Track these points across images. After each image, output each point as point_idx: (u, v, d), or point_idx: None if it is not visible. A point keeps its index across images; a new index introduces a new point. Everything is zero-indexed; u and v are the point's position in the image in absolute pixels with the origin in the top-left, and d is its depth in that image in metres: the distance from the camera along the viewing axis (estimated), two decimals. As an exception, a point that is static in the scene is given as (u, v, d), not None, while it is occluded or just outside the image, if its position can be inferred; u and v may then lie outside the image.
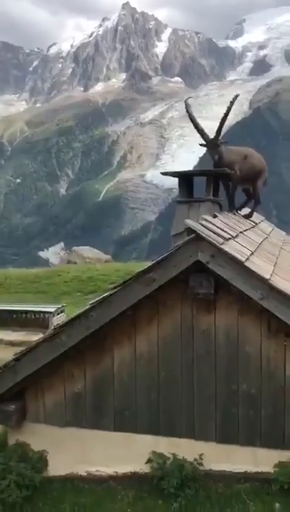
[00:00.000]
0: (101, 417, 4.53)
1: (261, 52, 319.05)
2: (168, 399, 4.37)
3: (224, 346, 4.19)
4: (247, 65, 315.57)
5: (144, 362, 4.39)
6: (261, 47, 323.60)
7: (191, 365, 4.27)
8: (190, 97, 6.55)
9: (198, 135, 5.98)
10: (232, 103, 5.89)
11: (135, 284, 4.09)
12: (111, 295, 4.14)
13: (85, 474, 4.55)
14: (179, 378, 4.32)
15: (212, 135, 5.83)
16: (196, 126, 5.86)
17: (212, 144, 5.78)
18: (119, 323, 4.30)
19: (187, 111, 5.98)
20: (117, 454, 4.48)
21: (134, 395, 4.44)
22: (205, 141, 5.87)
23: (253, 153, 6.48)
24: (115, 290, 4.13)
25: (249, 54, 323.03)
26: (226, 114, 5.81)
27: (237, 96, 6.10)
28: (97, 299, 4.21)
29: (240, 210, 6.63)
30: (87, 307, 4.22)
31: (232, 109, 5.96)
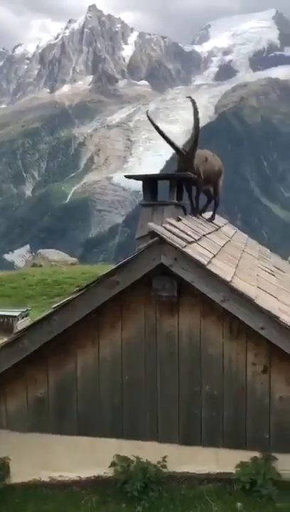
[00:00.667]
0: (65, 421, 4.50)
1: (227, 58, 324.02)
2: (132, 402, 4.37)
3: (187, 348, 4.23)
4: (213, 69, 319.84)
5: (108, 365, 4.38)
6: (227, 52, 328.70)
7: (155, 367, 4.30)
8: (155, 103, 6.53)
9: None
10: (196, 112, 5.85)
11: (98, 287, 4.08)
12: (74, 299, 4.12)
13: (48, 480, 4.50)
14: (142, 381, 4.33)
15: (179, 141, 5.82)
16: (168, 141, 5.78)
17: (188, 158, 5.72)
18: (83, 326, 4.28)
19: (152, 124, 5.92)
20: (81, 458, 4.45)
21: (98, 398, 4.42)
22: (179, 154, 5.77)
23: (211, 155, 6.56)
24: (78, 294, 4.11)
25: (215, 59, 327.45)
26: (196, 127, 5.74)
27: (193, 100, 6.06)
28: (60, 303, 4.18)
29: (203, 212, 6.70)
30: (50, 311, 4.19)
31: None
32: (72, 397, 4.46)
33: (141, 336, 4.27)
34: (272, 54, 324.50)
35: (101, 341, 4.36)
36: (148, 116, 6.12)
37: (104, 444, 4.42)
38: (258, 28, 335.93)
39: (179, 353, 4.24)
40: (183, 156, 5.74)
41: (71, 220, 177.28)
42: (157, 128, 5.82)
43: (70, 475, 4.47)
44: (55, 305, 4.21)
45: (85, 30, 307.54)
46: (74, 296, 4.14)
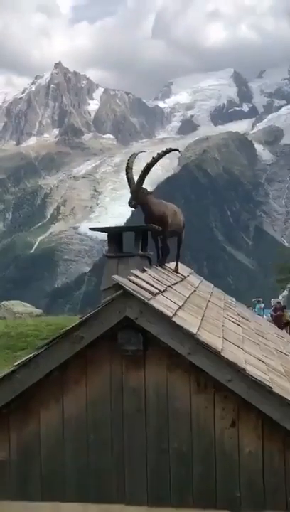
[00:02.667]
0: (27, 486, 4.25)
1: (189, 113, 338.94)
2: (98, 462, 4.19)
3: (154, 404, 4.13)
4: (175, 124, 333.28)
5: (72, 424, 4.21)
6: (188, 108, 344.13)
7: (121, 425, 4.16)
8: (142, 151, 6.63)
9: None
10: (159, 155, 6.02)
11: (62, 342, 3.99)
12: (37, 355, 4.00)
13: None
14: (109, 440, 4.17)
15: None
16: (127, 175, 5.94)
17: (132, 190, 5.82)
18: (46, 384, 4.13)
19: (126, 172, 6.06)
20: (44, 526, 4.18)
21: (62, 460, 4.22)
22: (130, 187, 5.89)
23: (179, 210, 6.74)
24: (41, 350, 4.00)
25: (177, 114, 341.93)
26: (150, 164, 5.88)
27: (168, 151, 6.28)
28: (22, 360, 4.05)
29: (164, 263, 6.67)
30: (12, 369, 4.04)
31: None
32: (35, 459, 4.24)
33: (106, 393, 4.15)
34: (231, 109, 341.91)
35: (65, 399, 4.20)
36: (127, 163, 6.22)
37: (68, 509, 4.18)
38: (217, 86, 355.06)
39: (146, 409, 4.13)
40: (131, 187, 5.85)
41: (37, 270, 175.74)
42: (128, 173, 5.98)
43: None
44: (17, 362, 4.07)
45: (51, 85, 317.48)
46: (37, 352, 4.02)
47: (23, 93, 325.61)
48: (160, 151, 6.10)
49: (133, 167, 6.17)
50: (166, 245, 6.56)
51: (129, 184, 5.98)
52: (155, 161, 6.01)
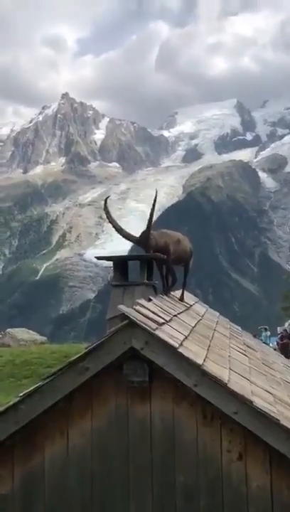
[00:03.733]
0: (31, 521, 4.16)
1: (193, 142, 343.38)
2: (103, 496, 4.11)
3: (160, 437, 4.08)
4: (180, 153, 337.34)
5: (77, 456, 4.16)
6: (193, 137, 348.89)
7: (126, 457, 4.10)
8: (108, 197, 6.86)
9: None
10: (155, 200, 6.28)
11: (67, 373, 3.97)
12: (42, 386, 3.98)
13: None
14: (114, 473, 4.10)
15: (139, 227, 6.07)
16: (119, 231, 6.09)
17: (143, 240, 5.94)
18: (51, 415, 4.10)
19: (106, 214, 6.22)
20: None
21: (67, 493, 4.14)
22: (133, 241, 6.03)
23: (183, 238, 6.85)
24: (47, 380, 3.98)
25: (182, 143, 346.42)
26: (152, 210, 6.07)
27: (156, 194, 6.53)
28: (27, 391, 4.02)
29: (170, 291, 6.70)
30: (17, 399, 4.01)
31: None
32: (39, 493, 4.16)
33: (111, 425, 4.11)
34: (235, 138, 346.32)
35: (70, 431, 4.16)
36: (104, 205, 6.35)
37: None
38: (221, 115, 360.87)
39: (152, 441, 4.08)
40: (140, 242, 5.97)
41: (42, 297, 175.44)
42: (109, 217, 6.15)
43: None
44: (22, 393, 4.05)
45: (58, 115, 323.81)
46: (42, 383, 4.00)
47: (30, 123, 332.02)
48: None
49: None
50: (173, 274, 6.60)
51: (117, 229, 6.10)
52: (153, 209, 6.13)
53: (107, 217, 6.23)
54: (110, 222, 6.19)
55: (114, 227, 6.16)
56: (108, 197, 6.66)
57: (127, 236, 6.13)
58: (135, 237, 6.04)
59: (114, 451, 4.11)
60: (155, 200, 6.36)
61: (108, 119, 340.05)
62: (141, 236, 6.01)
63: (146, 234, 6.02)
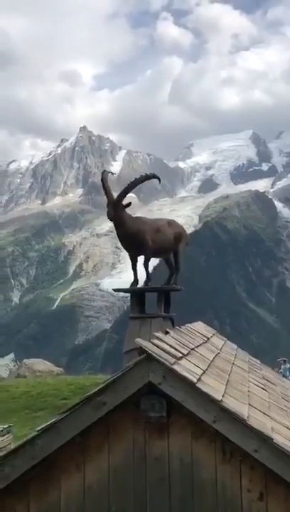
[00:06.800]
0: None
1: (209, 173, 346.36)
2: (120, 536, 4.01)
3: (178, 474, 3.99)
4: (196, 183, 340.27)
5: (94, 493, 4.08)
6: (208, 168, 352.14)
7: (144, 494, 4.00)
8: (110, 172, 6.64)
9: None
10: (142, 177, 6.08)
11: (84, 408, 3.94)
12: (58, 421, 3.95)
13: None
14: (131, 510, 4.01)
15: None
16: (104, 188, 5.96)
17: (110, 209, 5.78)
18: (67, 450, 4.05)
19: (103, 185, 6.05)
20: None
21: (83, 532, 4.05)
22: (108, 203, 5.83)
23: (166, 225, 6.28)
24: (63, 415, 3.95)
25: (198, 174, 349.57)
26: (136, 180, 5.94)
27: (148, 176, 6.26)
28: (43, 426, 3.99)
29: (167, 284, 6.33)
30: (33, 434, 3.98)
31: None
32: (54, 531, 4.08)
33: (129, 461, 4.03)
34: (251, 169, 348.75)
35: (86, 467, 4.09)
36: (102, 176, 6.18)
37: None
38: (236, 147, 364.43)
39: (170, 478, 3.99)
40: (109, 200, 5.81)
41: (58, 327, 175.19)
42: (105, 188, 6.05)
43: None
44: (39, 428, 4.02)
45: (76, 148, 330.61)
46: (58, 418, 3.97)
47: (49, 155, 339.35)
48: (139, 176, 6.16)
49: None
50: (146, 266, 6.12)
51: (106, 195, 5.92)
52: (140, 181, 6.04)
53: (103, 188, 6.06)
54: (104, 189, 6.03)
55: (106, 195, 5.94)
56: (105, 170, 6.50)
57: (108, 194, 5.91)
58: (111, 198, 5.83)
59: (132, 488, 4.02)
60: (142, 178, 6.06)
61: (125, 151, 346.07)
62: (109, 202, 5.77)
63: (113, 201, 5.75)
